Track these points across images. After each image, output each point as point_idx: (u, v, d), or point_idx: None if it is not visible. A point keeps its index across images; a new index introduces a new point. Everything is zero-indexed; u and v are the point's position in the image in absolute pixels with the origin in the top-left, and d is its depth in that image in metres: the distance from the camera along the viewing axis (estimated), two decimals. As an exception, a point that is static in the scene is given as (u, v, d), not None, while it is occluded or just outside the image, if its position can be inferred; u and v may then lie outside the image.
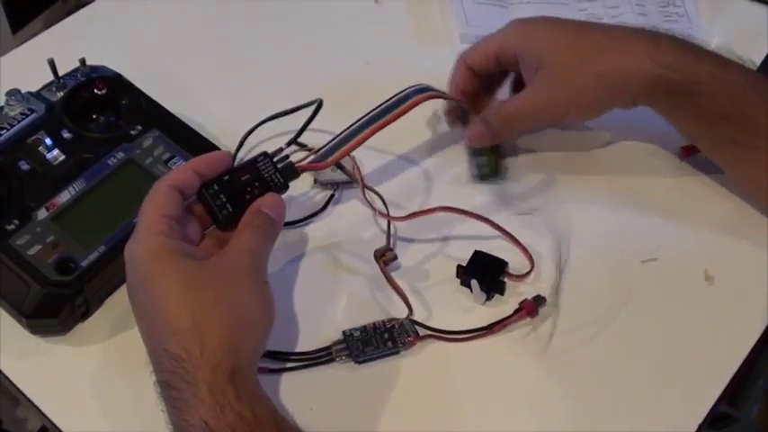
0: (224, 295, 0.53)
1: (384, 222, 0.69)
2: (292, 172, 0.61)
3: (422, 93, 0.66)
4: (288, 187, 0.61)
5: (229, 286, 0.54)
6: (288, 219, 0.66)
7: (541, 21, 0.70)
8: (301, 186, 0.70)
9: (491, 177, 0.73)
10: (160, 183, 0.57)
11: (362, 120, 0.64)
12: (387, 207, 0.67)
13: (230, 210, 0.58)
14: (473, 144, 0.72)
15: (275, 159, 0.61)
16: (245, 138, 0.74)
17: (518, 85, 0.73)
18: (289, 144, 0.63)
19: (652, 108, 0.69)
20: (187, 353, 0.51)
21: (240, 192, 0.59)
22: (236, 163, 0.67)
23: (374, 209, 0.66)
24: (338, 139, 0.63)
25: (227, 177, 0.59)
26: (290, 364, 0.61)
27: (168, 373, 0.51)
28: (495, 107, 0.70)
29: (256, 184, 0.59)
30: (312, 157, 0.63)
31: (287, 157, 0.61)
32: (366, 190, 0.67)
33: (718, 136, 0.67)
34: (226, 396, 0.50)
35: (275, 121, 0.74)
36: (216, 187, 0.59)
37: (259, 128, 0.74)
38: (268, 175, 0.60)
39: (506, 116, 0.69)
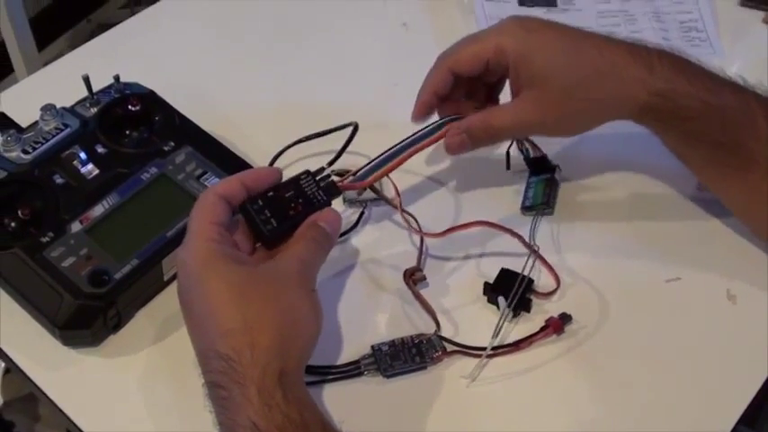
0: (274, 298, 0.54)
1: (413, 240, 0.70)
2: (334, 190, 0.62)
3: (456, 120, 0.68)
4: (330, 205, 0.61)
5: (279, 290, 0.55)
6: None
7: (540, 29, 0.66)
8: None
9: (538, 208, 0.72)
10: (207, 192, 0.58)
11: (400, 144, 0.66)
12: (420, 227, 0.67)
13: (275, 225, 0.59)
14: (451, 153, 0.69)
15: (318, 178, 0.62)
16: (276, 157, 0.74)
17: (496, 84, 0.71)
18: (330, 164, 0.64)
19: (642, 126, 0.68)
20: (237, 353, 0.51)
21: (284, 208, 0.60)
22: None
23: (413, 227, 0.67)
24: (377, 160, 0.65)
25: (271, 193, 0.60)
26: (319, 378, 0.62)
27: (217, 374, 0.52)
28: (480, 118, 0.67)
29: (300, 200, 0.60)
30: (351, 177, 0.64)
31: (328, 176, 0.62)
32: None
33: (707, 158, 0.67)
34: (274, 398, 0.50)
35: (306, 142, 0.75)
36: (260, 202, 0.59)
37: (290, 148, 0.75)
38: (311, 192, 0.61)
39: (491, 129, 0.67)
